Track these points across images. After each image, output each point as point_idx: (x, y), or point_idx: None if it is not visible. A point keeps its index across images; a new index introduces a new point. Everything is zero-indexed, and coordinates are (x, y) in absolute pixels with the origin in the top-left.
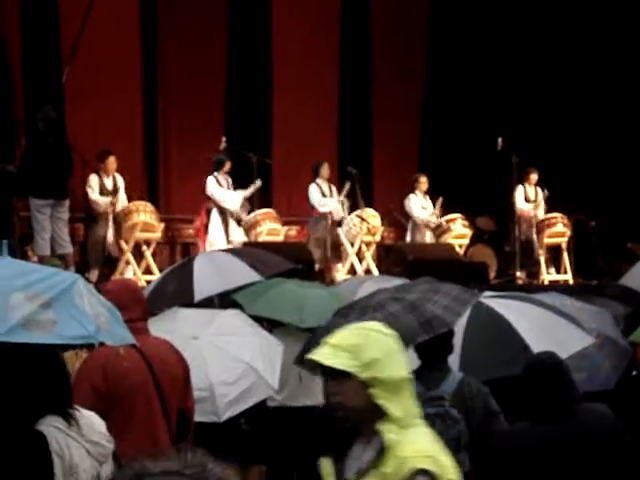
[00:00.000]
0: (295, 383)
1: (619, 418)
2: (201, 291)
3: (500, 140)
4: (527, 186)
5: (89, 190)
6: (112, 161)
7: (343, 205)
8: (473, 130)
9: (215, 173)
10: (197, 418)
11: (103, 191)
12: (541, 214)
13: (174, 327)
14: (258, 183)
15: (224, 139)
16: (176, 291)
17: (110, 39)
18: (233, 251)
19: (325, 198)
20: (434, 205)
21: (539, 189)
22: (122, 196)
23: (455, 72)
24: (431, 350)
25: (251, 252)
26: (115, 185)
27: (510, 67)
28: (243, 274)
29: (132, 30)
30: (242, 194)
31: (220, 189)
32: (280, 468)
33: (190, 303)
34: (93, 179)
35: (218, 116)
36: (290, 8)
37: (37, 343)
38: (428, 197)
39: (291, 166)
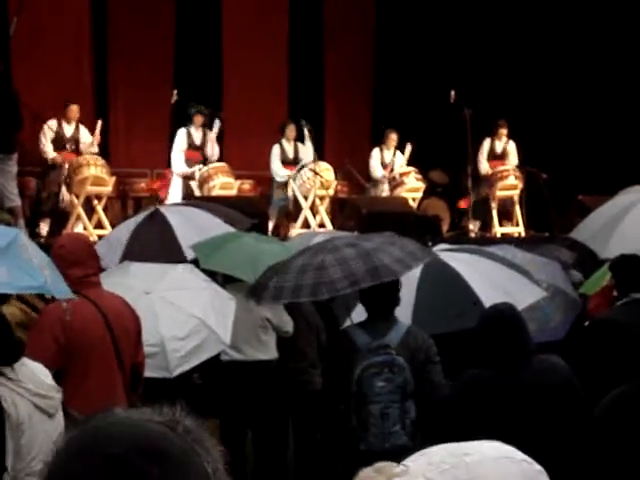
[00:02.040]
0: (249, 337)
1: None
2: (190, 253)
3: (453, 92)
4: (497, 140)
5: (41, 138)
6: (74, 109)
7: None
8: (426, 82)
9: (190, 127)
10: (148, 374)
11: (59, 139)
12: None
13: (126, 281)
14: (218, 123)
15: (175, 92)
16: (161, 249)
17: None
18: (197, 205)
19: (281, 167)
20: (403, 159)
21: (511, 142)
22: (87, 146)
23: (408, 23)
24: (377, 301)
25: (215, 207)
26: (76, 134)
27: (462, 17)
28: (223, 231)
29: None
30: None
31: (180, 143)
32: (234, 422)
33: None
34: (50, 125)
35: (168, 69)
36: None
37: None
38: (399, 152)
39: (243, 119)
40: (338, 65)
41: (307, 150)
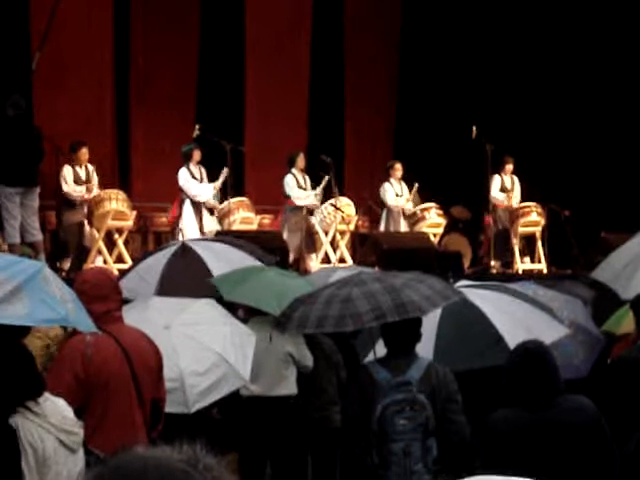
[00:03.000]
0: (270, 373)
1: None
2: None
3: (474, 128)
4: (503, 175)
5: (62, 182)
6: (84, 152)
7: (317, 197)
8: (447, 118)
9: (188, 164)
10: (167, 409)
11: (77, 182)
12: (516, 203)
13: (145, 315)
14: (225, 171)
15: (197, 127)
16: (196, 284)
17: (82, 26)
18: (224, 241)
19: (301, 190)
20: (410, 192)
21: (515, 178)
22: (95, 185)
23: (430, 60)
24: (399, 337)
25: (241, 244)
26: (87, 175)
27: (485, 55)
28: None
29: (104, 17)
30: (213, 186)
31: (192, 182)
32: (253, 457)
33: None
34: (66, 170)
35: (190, 104)
36: (263, 1)
37: (4, 334)
38: (404, 183)
39: (263, 154)
40: (359, 99)
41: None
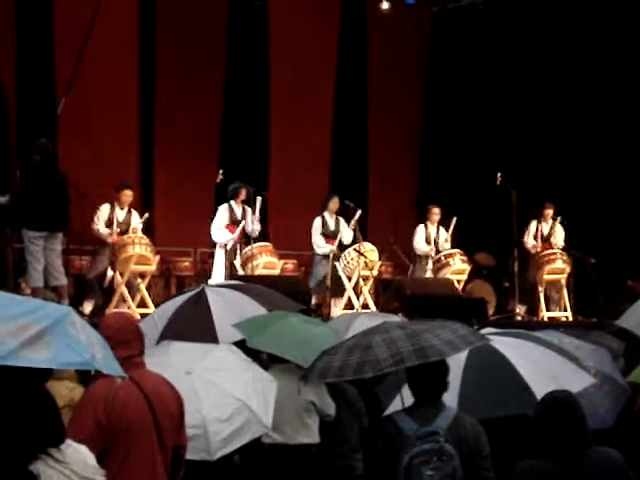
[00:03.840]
0: (292, 420)
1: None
2: (223, 339)
3: (499, 175)
4: (543, 223)
5: (95, 220)
6: (127, 194)
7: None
8: (472, 165)
9: (231, 201)
10: (189, 456)
11: (112, 222)
12: (557, 248)
13: (167, 361)
14: (260, 200)
15: (221, 172)
16: (197, 331)
17: (107, 70)
18: (245, 290)
19: (322, 239)
20: (448, 236)
21: (557, 224)
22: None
23: (453, 106)
24: (425, 385)
25: (259, 291)
26: (128, 218)
27: (509, 100)
28: None
29: (129, 61)
30: (232, 237)
31: (217, 223)
32: None
33: None
34: (103, 209)
35: (214, 148)
36: (288, 41)
37: (28, 377)
38: (442, 228)
39: (286, 199)
40: (383, 144)
41: (347, 228)
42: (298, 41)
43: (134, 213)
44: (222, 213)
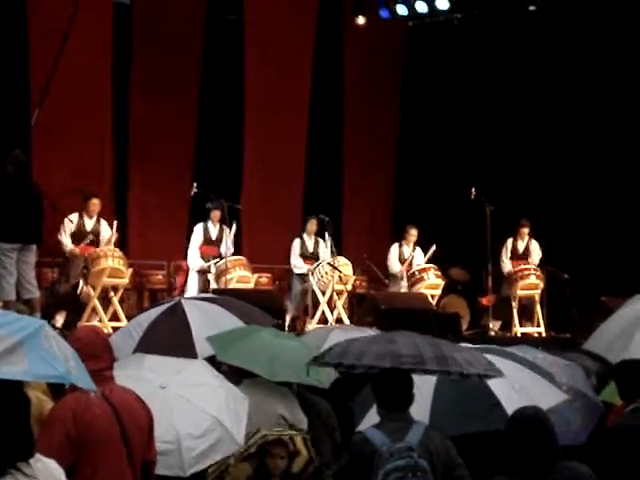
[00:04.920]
0: None
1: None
2: (202, 351)
3: (473, 190)
4: (519, 240)
5: (61, 231)
6: (94, 203)
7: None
8: (447, 179)
9: (207, 222)
10: (162, 471)
11: (79, 232)
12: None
13: (141, 374)
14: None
15: (195, 185)
16: (174, 343)
17: (81, 81)
18: (220, 303)
19: (300, 261)
20: (423, 256)
21: (533, 241)
22: (105, 241)
23: (429, 123)
24: (391, 398)
25: (236, 304)
26: (97, 228)
27: (484, 116)
28: None
29: (103, 74)
30: (200, 265)
31: (193, 244)
32: None
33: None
34: (71, 219)
35: (188, 161)
36: (263, 55)
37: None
38: (418, 248)
39: (260, 212)
40: (358, 158)
41: (325, 247)
42: (273, 55)
43: (103, 222)
44: (197, 233)
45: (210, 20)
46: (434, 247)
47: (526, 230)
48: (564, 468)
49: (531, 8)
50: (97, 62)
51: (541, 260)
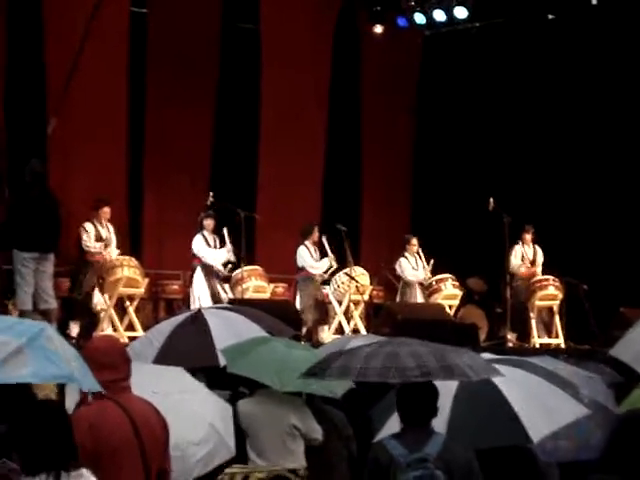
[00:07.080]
0: (276, 446)
1: None
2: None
3: (492, 200)
4: (526, 246)
5: (84, 237)
6: (106, 211)
7: (332, 259)
8: (464, 190)
9: (202, 231)
10: None
11: (98, 239)
12: (540, 273)
13: (141, 382)
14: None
15: (211, 194)
16: (196, 352)
17: (96, 92)
18: (241, 312)
19: (315, 261)
20: (426, 265)
21: (538, 248)
22: (114, 247)
23: (445, 133)
24: (415, 410)
25: (256, 313)
26: (108, 234)
27: (501, 126)
28: None
29: (119, 83)
30: (225, 249)
31: (205, 248)
32: None
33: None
34: (88, 227)
35: (204, 171)
36: (280, 65)
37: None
38: (419, 257)
39: (277, 222)
40: (375, 168)
41: (325, 259)
42: (290, 65)
43: (111, 229)
44: (199, 241)
45: (226, 28)
46: (432, 262)
47: (529, 236)
48: None
49: (550, 17)
50: (113, 72)
51: (559, 271)
